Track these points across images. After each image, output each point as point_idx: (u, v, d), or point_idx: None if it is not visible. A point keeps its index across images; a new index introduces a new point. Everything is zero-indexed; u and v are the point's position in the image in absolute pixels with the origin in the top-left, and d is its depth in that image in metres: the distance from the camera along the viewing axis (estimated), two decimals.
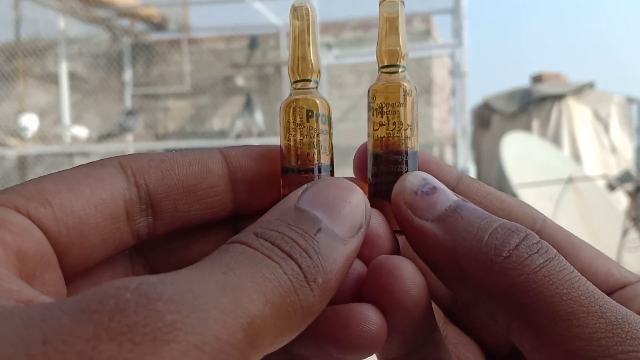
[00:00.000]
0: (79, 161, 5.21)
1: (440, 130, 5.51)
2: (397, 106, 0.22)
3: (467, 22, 3.72)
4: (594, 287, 0.18)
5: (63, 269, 0.19)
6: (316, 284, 0.17)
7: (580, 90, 6.21)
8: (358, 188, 0.20)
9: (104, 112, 5.32)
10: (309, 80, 0.22)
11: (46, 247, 0.18)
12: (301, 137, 0.22)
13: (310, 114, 0.22)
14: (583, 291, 0.18)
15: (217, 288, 0.15)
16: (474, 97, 6.86)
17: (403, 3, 0.23)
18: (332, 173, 0.22)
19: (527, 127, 6.08)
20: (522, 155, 5.20)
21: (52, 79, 5.33)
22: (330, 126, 0.23)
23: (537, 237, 0.19)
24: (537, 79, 6.66)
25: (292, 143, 0.22)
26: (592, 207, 5.23)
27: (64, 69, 5.05)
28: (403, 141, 0.22)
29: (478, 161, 6.35)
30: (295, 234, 0.17)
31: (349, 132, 4.66)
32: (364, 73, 4.96)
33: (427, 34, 5.31)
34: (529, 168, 5.10)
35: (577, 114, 6.14)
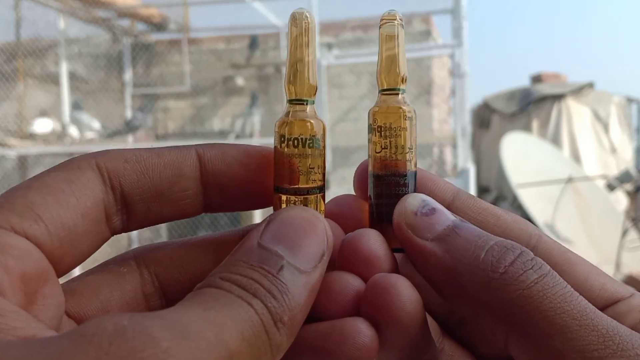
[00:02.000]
0: None
1: (440, 131, 5.51)
2: (399, 130, 0.23)
3: (466, 23, 3.73)
4: (586, 301, 0.19)
5: (57, 275, 0.20)
6: (282, 322, 0.18)
7: (580, 90, 6.21)
8: (319, 216, 0.20)
9: (104, 113, 5.32)
10: (306, 101, 0.22)
11: (44, 263, 0.19)
12: (295, 160, 0.22)
13: (304, 140, 0.22)
14: (576, 305, 0.19)
15: (201, 322, 0.16)
16: (473, 98, 6.87)
17: (402, 26, 0.24)
18: (323, 191, 0.23)
19: (527, 128, 6.08)
20: (521, 155, 5.20)
21: (52, 80, 5.33)
22: (324, 146, 0.23)
23: (532, 254, 0.20)
24: (537, 79, 6.66)
25: (286, 166, 0.22)
26: (591, 207, 5.23)
27: (64, 70, 5.05)
28: (404, 163, 0.23)
29: (478, 161, 6.35)
30: (258, 275, 0.18)
31: (348, 132, 4.67)
32: (364, 73, 4.97)
33: (427, 34, 5.31)
34: (528, 168, 5.10)
35: (577, 114, 6.14)
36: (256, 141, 4.71)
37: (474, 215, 0.23)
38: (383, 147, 0.23)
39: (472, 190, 3.66)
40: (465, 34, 3.68)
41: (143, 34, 5.70)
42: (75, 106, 4.72)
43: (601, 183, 5.39)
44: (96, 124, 4.71)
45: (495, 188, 6.25)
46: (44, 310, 0.19)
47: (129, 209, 0.21)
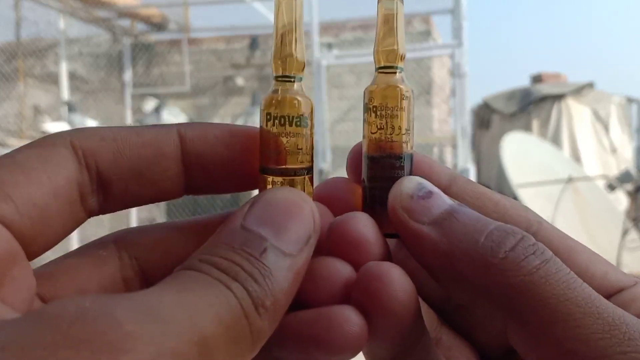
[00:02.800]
0: None
1: (440, 131, 5.51)
2: (396, 110, 0.22)
3: (466, 23, 3.73)
4: (591, 289, 0.18)
5: (29, 257, 0.19)
6: (264, 307, 0.17)
7: (580, 90, 6.22)
8: (306, 197, 0.20)
9: (104, 113, 5.33)
10: (293, 77, 0.22)
11: (13, 244, 0.18)
12: (282, 139, 0.21)
13: (291, 118, 0.21)
14: (580, 292, 0.18)
15: (174, 305, 0.16)
16: (473, 98, 6.87)
17: (402, 1, 0.22)
18: (311, 172, 0.22)
19: (527, 128, 6.09)
20: (521, 155, 5.20)
21: (53, 80, 5.34)
22: (312, 126, 0.22)
23: (533, 239, 0.19)
24: (537, 79, 6.66)
25: (272, 145, 0.21)
26: (591, 207, 5.23)
27: (64, 70, 5.05)
28: (401, 145, 0.22)
29: (478, 161, 6.35)
30: (239, 257, 0.17)
31: (348, 132, 4.67)
32: (364, 73, 4.97)
33: (427, 34, 5.31)
34: (528, 168, 5.10)
35: (577, 114, 6.14)
36: None
37: (471, 200, 0.22)
38: (379, 127, 0.22)
39: None
40: (465, 34, 3.68)
41: (143, 34, 5.70)
42: (70, 108, 4.71)
43: (601, 183, 5.39)
44: (91, 124, 4.70)
45: (496, 188, 6.24)
46: (13, 293, 0.18)
47: (105, 189, 0.20)
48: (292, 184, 0.21)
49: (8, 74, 5.07)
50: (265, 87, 5.30)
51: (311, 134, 0.22)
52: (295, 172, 0.21)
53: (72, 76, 5.26)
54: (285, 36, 0.22)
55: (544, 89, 6.26)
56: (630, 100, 6.66)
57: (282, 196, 0.19)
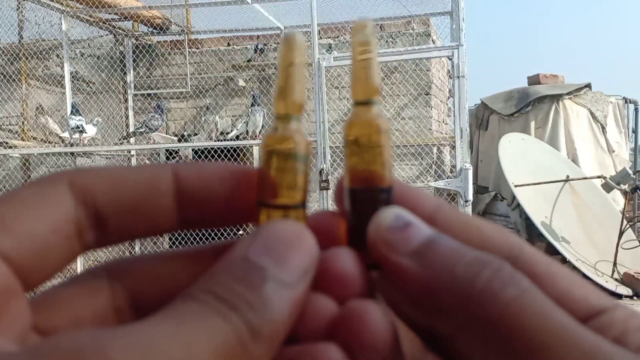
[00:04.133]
0: (81, 161, 5.25)
1: (439, 131, 5.54)
2: (375, 143, 0.23)
3: (465, 25, 3.76)
4: (568, 317, 0.19)
5: (26, 289, 0.19)
6: (262, 335, 0.17)
7: (577, 91, 6.24)
8: (306, 231, 0.21)
9: (107, 114, 5.35)
10: (293, 117, 0.23)
11: (10, 278, 0.19)
12: (279, 175, 0.22)
13: (289, 155, 0.22)
14: (557, 322, 0.18)
15: (170, 339, 0.16)
16: (471, 99, 6.88)
17: (374, 35, 0.23)
18: (305, 207, 0.23)
19: (525, 128, 6.10)
20: (519, 155, 5.21)
21: (55, 81, 5.36)
22: (308, 163, 0.23)
23: (510, 267, 0.19)
24: (535, 80, 6.68)
25: (269, 180, 0.22)
26: (589, 207, 5.25)
27: (67, 71, 5.07)
28: (381, 177, 0.22)
29: (476, 162, 6.37)
30: (242, 287, 0.18)
31: None
32: None
33: (426, 35, 5.35)
34: (526, 168, 5.11)
35: (574, 115, 6.16)
36: (258, 141, 4.74)
37: (456, 228, 0.22)
38: (359, 161, 0.23)
39: (470, 190, 3.69)
40: (464, 36, 3.71)
41: (145, 36, 5.73)
42: (73, 109, 4.70)
43: (598, 183, 5.41)
44: (91, 130, 4.69)
45: (494, 188, 6.27)
46: (9, 325, 0.18)
47: (102, 224, 0.21)
48: (288, 218, 0.22)
49: (10, 75, 5.10)
50: (267, 88, 5.33)
51: (307, 170, 0.23)
52: (291, 207, 0.22)
53: (75, 77, 5.29)
54: (288, 78, 0.22)
55: (542, 89, 6.28)
56: (627, 101, 6.69)
57: (283, 228, 0.20)
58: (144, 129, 4.84)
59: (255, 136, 4.62)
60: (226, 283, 0.18)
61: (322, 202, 3.97)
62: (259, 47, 5.34)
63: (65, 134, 4.73)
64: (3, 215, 0.19)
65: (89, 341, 0.15)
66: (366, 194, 0.22)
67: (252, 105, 4.68)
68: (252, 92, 4.85)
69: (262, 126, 4.63)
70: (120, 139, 5.22)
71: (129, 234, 0.22)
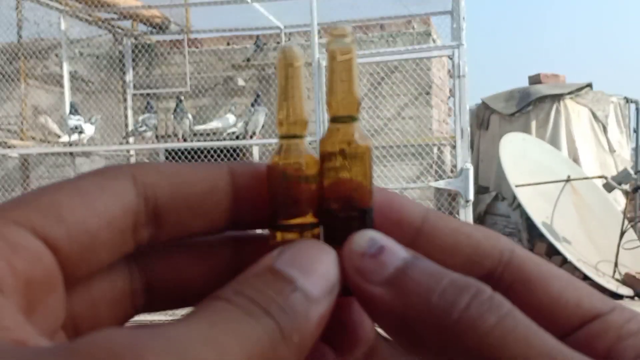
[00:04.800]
0: (80, 161, 5.24)
1: (439, 131, 5.54)
2: (360, 163, 0.21)
3: (465, 24, 3.75)
4: (553, 340, 0.18)
5: (67, 282, 0.19)
6: (292, 341, 0.17)
7: (579, 91, 6.23)
8: (331, 249, 0.20)
9: (106, 113, 5.34)
10: (298, 136, 0.22)
11: (54, 271, 0.18)
12: (289, 199, 0.21)
13: (301, 178, 0.21)
14: (540, 348, 0.17)
15: (203, 342, 0.16)
16: (472, 99, 6.87)
17: (354, 42, 0.21)
18: (317, 227, 0.22)
19: (526, 128, 6.10)
20: (520, 155, 5.21)
21: (54, 80, 5.36)
22: (318, 181, 0.22)
23: (489, 290, 0.19)
24: (535, 79, 6.68)
25: (280, 202, 0.22)
26: (590, 207, 5.24)
27: (66, 70, 5.06)
28: (363, 198, 0.21)
29: (477, 161, 6.36)
30: (272, 291, 0.18)
31: None
32: (364, 73, 4.99)
33: (426, 35, 5.34)
34: (527, 168, 5.11)
35: (575, 115, 6.15)
36: (257, 141, 4.73)
37: (445, 238, 0.21)
38: (339, 179, 0.21)
39: (471, 190, 3.68)
40: (464, 35, 3.70)
41: (144, 35, 5.73)
42: (72, 109, 4.69)
43: (600, 183, 5.41)
44: (89, 129, 4.68)
45: (494, 188, 6.26)
46: (42, 321, 0.18)
47: (159, 221, 0.21)
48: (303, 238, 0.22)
49: (9, 75, 5.10)
50: (266, 88, 5.32)
51: (315, 189, 0.22)
52: (306, 227, 0.22)
53: (74, 77, 5.28)
54: (289, 99, 0.21)
55: (543, 89, 6.27)
56: (628, 100, 6.68)
57: (309, 245, 0.20)
58: (144, 128, 4.83)
59: (255, 136, 4.61)
60: (257, 287, 0.18)
61: None
62: (260, 44, 5.33)
63: (64, 138, 4.72)
64: (60, 203, 0.18)
65: (125, 343, 0.15)
66: (342, 215, 0.21)
67: (254, 104, 4.67)
68: (256, 92, 4.85)
69: (262, 126, 4.62)
70: (124, 137, 5.21)
71: (183, 232, 0.22)
